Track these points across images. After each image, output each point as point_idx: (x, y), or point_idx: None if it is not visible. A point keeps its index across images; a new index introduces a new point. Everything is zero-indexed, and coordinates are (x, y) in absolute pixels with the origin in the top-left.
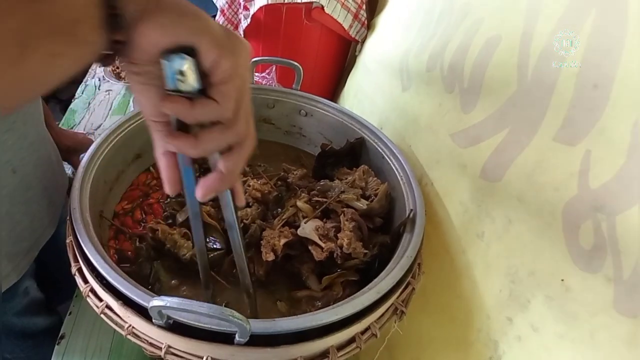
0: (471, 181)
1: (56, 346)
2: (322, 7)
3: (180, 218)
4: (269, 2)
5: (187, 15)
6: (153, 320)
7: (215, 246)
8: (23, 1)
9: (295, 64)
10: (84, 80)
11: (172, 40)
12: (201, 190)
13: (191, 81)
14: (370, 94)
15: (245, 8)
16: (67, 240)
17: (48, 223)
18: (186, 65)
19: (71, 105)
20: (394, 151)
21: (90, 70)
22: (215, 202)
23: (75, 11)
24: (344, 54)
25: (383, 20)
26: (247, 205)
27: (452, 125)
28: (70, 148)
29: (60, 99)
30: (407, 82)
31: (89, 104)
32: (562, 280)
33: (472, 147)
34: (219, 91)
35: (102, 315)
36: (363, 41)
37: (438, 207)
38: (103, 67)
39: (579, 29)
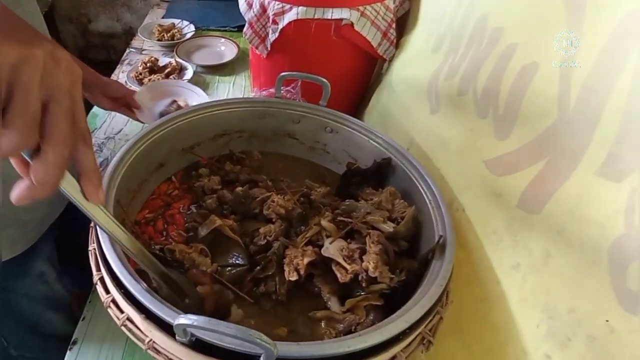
0: (507, 210)
1: (68, 352)
2: (352, 24)
3: (202, 232)
4: (299, 17)
5: None
6: (177, 337)
7: (237, 262)
8: None
9: (323, 80)
10: None
11: None
12: (14, 196)
13: None
14: (396, 115)
15: (274, 22)
16: (90, 248)
17: (56, 199)
18: None
19: (93, 109)
20: (423, 173)
21: (112, 75)
22: (237, 215)
23: None
24: (369, 71)
25: (412, 40)
26: (270, 222)
27: (485, 152)
28: (87, 82)
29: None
30: (436, 104)
31: None
32: (607, 320)
33: (508, 175)
34: None
35: (122, 328)
36: (390, 60)
37: (469, 234)
38: (126, 73)
39: (624, 62)
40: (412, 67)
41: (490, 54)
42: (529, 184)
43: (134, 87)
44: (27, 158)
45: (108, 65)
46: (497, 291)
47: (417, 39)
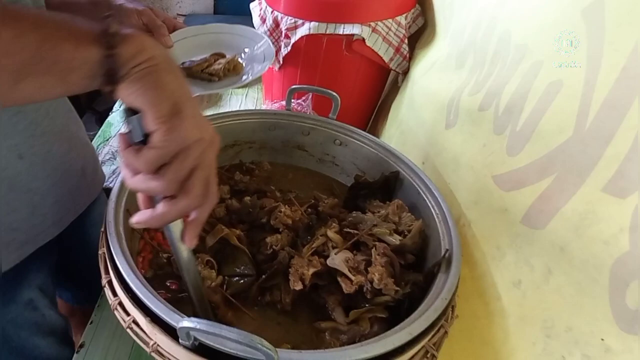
0: (511, 226)
1: (75, 354)
2: (364, 40)
3: (209, 241)
4: (311, 32)
5: (158, 88)
6: (180, 341)
7: (244, 271)
8: (33, 43)
9: (334, 93)
10: None
11: (130, 103)
12: (134, 219)
13: (135, 134)
14: (414, 128)
15: (287, 36)
16: (100, 252)
17: (51, 223)
18: (135, 121)
19: (108, 118)
20: (431, 187)
21: None
22: (244, 225)
23: (74, 62)
24: (381, 84)
25: (429, 55)
26: (277, 232)
27: (495, 167)
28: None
29: (97, 110)
30: (453, 119)
31: None
32: (602, 339)
33: (515, 191)
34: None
35: (128, 330)
36: (405, 72)
37: (474, 250)
38: None
39: None
40: (433, 82)
41: (516, 71)
42: (536, 199)
43: None
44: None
45: None
46: (497, 308)
47: (437, 54)
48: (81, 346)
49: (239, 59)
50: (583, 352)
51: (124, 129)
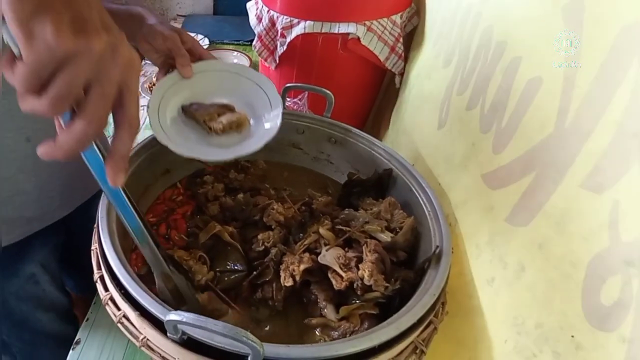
0: (494, 224)
1: (71, 351)
2: (359, 39)
3: (202, 238)
4: (306, 31)
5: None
6: (168, 334)
7: (236, 267)
8: None
9: (327, 91)
10: None
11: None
12: (39, 150)
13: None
14: (408, 129)
15: (282, 35)
16: (92, 247)
17: (59, 204)
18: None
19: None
20: (423, 185)
21: None
22: (238, 222)
23: None
24: (377, 84)
25: (422, 55)
26: (269, 229)
27: (484, 166)
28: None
29: None
30: (444, 119)
31: None
32: (572, 336)
33: (502, 188)
34: None
35: (118, 325)
36: (402, 73)
37: (455, 249)
38: (140, 83)
39: (624, 75)
40: (427, 82)
41: (497, 68)
42: (520, 197)
43: (147, 97)
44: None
45: None
46: (469, 306)
47: (428, 54)
48: (77, 343)
49: (249, 118)
50: (553, 349)
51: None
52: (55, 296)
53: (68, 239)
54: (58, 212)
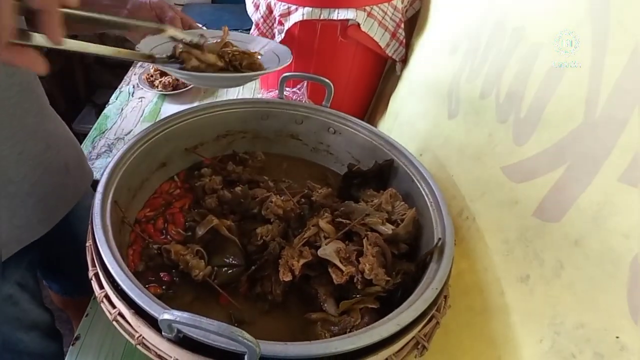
0: (521, 219)
1: (70, 347)
2: (359, 25)
3: (199, 232)
4: (304, 17)
5: None
6: (163, 333)
7: (234, 262)
8: None
9: (326, 80)
10: (119, 87)
11: None
12: None
13: None
14: (411, 119)
15: (280, 23)
16: (87, 244)
17: (37, 222)
18: None
19: (105, 111)
20: (425, 175)
21: (125, 77)
22: (236, 215)
23: None
24: (379, 72)
25: (425, 41)
26: (268, 222)
27: (504, 158)
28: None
29: (96, 102)
30: (455, 108)
31: (122, 110)
32: (617, 337)
33: (527, 182)
34: None
35: (114, 323)
36: (403, 61)
37: (477, 244)
38: (138, 75)
39: None
40: (430, 69)
41: (513, 56)
42: (549, 190)
43: (145, 89)
44: None
45: (123, 68)
46: (499, 303)
47: (431, 40)
48: (76, 339)
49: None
50: (595, 350)
51: None
52: (36, 314)
53: (46, 250)
54: (38, 229)
